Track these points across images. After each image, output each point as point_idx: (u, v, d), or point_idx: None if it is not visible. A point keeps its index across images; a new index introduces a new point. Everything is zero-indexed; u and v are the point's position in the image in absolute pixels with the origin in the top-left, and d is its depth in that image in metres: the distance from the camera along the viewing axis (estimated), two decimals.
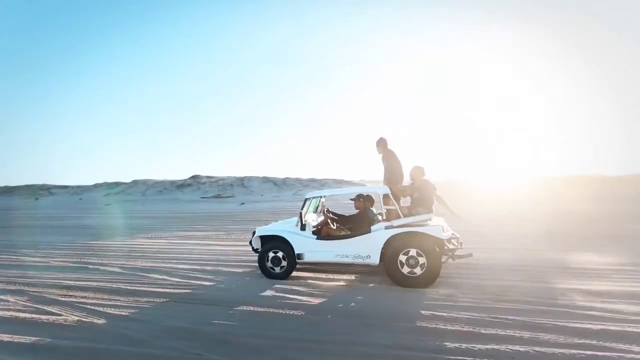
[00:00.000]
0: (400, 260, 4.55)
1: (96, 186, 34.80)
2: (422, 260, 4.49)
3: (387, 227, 4.70)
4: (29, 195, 32.76)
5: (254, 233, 5.59)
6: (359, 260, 4.79)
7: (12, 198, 31.88)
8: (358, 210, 5.40)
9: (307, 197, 5.31)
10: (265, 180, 30.02)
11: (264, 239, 5.31)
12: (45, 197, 31.65)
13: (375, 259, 4.69)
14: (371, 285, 4.72)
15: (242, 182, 29.47)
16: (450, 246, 4.66)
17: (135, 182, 32.78)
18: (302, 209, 5.18)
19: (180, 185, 29.51)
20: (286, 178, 30.60)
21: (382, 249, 4.64)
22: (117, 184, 33.97)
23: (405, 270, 4.53)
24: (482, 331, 3.12)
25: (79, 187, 36.16)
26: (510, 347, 2.81)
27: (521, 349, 2.76)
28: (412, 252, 4.53)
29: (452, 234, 4.86)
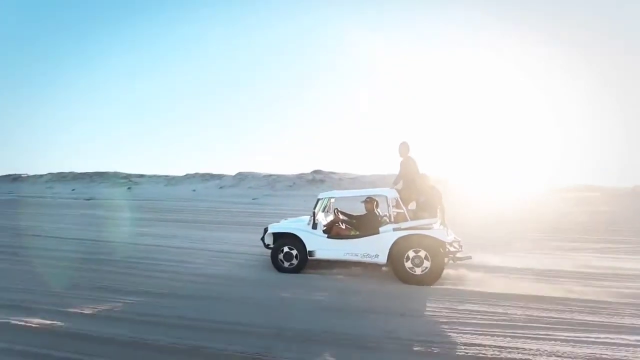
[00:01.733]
0: (407, 260, 4.90)
1: (187, 177, 30.54)
2: (426, 260, 4.85)
3: (395, 229, 5.04)
4: (112, 183, 29.91)
5: (265, 230, 5.86)
6: (368, 259, 5.12)
7: (106, 186, 29.14)
8: (366, 212, 5.72)
9: (319, 197, 5.60)
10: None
11: (277, 235, 5.58)
12: (138, 186, 28.61)
13: (383, 259, 5.02)
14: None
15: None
16: (452, 249, 5.02)
17: (241, 175, 28.10)
18: (314, 208, 5.47)
19: (311, 180, 25.03)
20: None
21: (390, 249, 4.97)
22: (211, 175, 30.07)
23: (411, 269, 4.88)
24: None
25: (167, 177, 31.57)
26: None
27: None
28: (418, 252, 4.88)
29: (454, 237, 5.21)
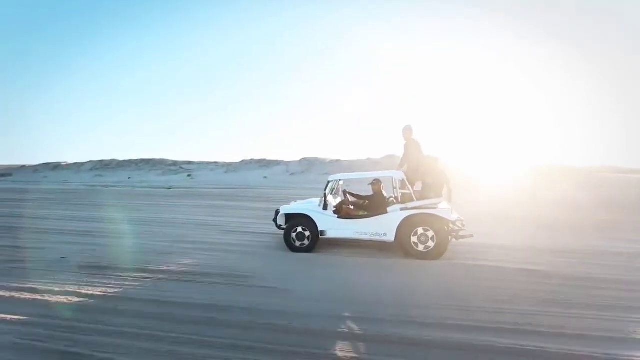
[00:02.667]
0: (413, 238, 5.20)
1: (244, 163, 28.35)
2: (432, 237, 5.15)
3: (402, 209, 5.31)
4: (164, 171, 27.91)
5: (277, 212, 6.12)
6: (377, 238, 5.41)
7: (158, 174, 27.21)
8: (373, 193, 5.98)
9: (329, 179, 5.84)
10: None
11: (289, 216, 5.84)
12: (195, 174, 26.48)
13: (391, 237, 5.31)
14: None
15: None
16: (455, 227, 5.32)
17: (307, 161, 26.27)
18: (325, 190, 5.71)
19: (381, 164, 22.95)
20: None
21: (398, 227, 5.27)
22: (267, 161, 28.07)
23: (418, 246, 5.20)
24: None
25: (218, 163, 29.57)
26: None
27: None
28: (424, 230, 5.18)
29: (458, 217, 5.50)
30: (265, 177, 23.65)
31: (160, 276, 4.52)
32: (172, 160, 31.28)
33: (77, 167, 32.33)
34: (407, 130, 5.70)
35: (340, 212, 5.71)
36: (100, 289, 4.04)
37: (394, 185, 5.59)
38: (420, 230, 5.18)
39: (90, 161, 33.08)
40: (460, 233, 5.29)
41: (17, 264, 5.08)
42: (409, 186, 5.41)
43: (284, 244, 5.75)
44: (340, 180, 6.21)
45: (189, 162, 30.74)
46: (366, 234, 5.45)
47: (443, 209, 5.24)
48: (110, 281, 4.33)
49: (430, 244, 5.16)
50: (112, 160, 32.56)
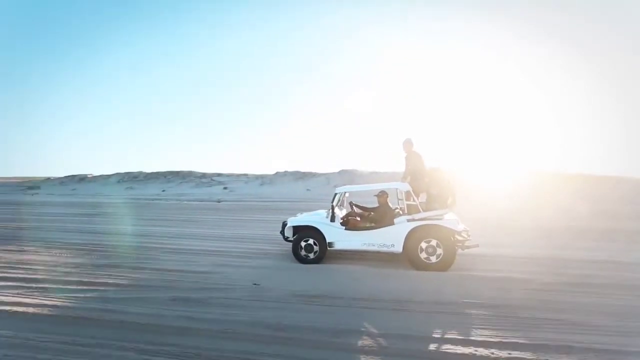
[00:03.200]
0: (421, 249, 5.27)
1: (279, 175, 27.88)
2: (439, 249, 5.22)
3: (409, 220, 5.39)
4: (197, 183, 27.22)
5: (283, 224, 6.18)
6: (384, 249, 5.48)
7: (191, 186, 26.60)
8: (379, 204, 6.06)
9: (336, 191, 5.93)
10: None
11: (296, 229, 5.90)
12: (229, 186, 25.88)
13: (398, 248, 5.38)
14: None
15: None
16: (460, 237, 5.40)
17: (346, 172, 25.89)
18: (332, 202, 5.80)
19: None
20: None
21: (405, 239, 5.34)
22: (302, 173, 27.54)
23: (425, 257, 5.26)
24: None
25: (259, 176, 28.88)
26: None
27: None
28: (431, 242, 5.26)
29: (464, 227, 5.59)
30: (309, 190, 23.30)
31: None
32: (201, 172, 30.78)
33: (104, 179, 31.77)
34: (407, 144, 5.84)
35: (348, 223, 5.79)
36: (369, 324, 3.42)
37: (399, 196, 5.69)
38: (427, 242, 5.25)
39: (117, 173, 32.53)
40: (466, 243, 5.37)
41: (217, 293, 4.36)
42: (415, 197, 5.51)
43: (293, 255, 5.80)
44: (345, 192, 6.30)
45: (218, 174, 30.31)
46: (374, 245, 5.51)
47: (449, 219, 5.33)
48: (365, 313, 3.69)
49: (438, 255, 5.23)
50: (140, 173, 32.07)
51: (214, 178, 28.95)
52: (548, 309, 3.77)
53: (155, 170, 31.93)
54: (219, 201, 18.25)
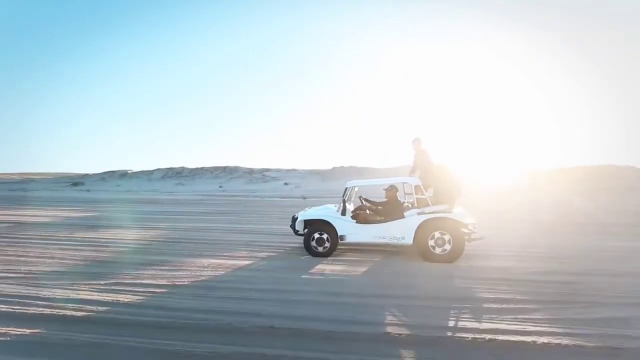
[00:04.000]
0: (431, 241, 5.41)
1: (335, 170, 26.86)
2: (448, 240, 5.38)
3: (419, 213, 5.53)
4: (249, 179, 25.93)
5: (293, 218, 6.25)
6: (395, 241, 5.61)
7: (244, 182, 25.29)
8: (387, 198, 6.18)
9: (347, 185, 6.03)
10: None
11: (307, 222, 5.98)
12: (290, 181, 24.67)
13: (409, 240, 5.52)
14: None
15: None
16: (467, 230, 5.56)
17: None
18: (343, 196, 5.89)
19: None
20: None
21: (416, 231, 5.47)
22: (363, 169, 26.34)
23: (435, 249, 5.41)
24: None
25: (315, 171, 27.84)
26: None
27: None
28: (441, 234, 5.40)
29: (471, 220, 5.75)
30: None
31: None
32: (247, 168, 29.60)
33: (146, 175, 30.21)
34: (417, 142, 6.05)
35: (358, 217, 5.89)
36: None
37: (407, 191, 5.83)
38: (437, 234, 5.40)
39: (158, 169, 31.12)
40: (472, 236, 5.53)
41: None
42: (424, 191, 5.65)
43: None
44: (355, 187, 6.41)
45: (266, 169, 29.10)
46: (384, 238, 5.63)
47: (458, 213, 5.48)
48: None
49: (447, 247, 5.38)
50: (182, 168, 30.71)
51: (264, 174, 27.80)
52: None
53: (200, 166, 30.52)
54: (304, 197, 17.66)
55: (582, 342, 2.86)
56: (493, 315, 3.43)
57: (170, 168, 30.92)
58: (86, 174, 33.40)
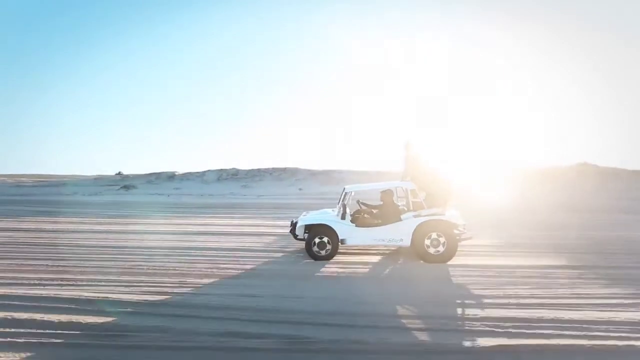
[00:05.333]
0: (427, 242, 5.73)
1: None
2: (443, 241, 5.72)
3: (415, 216, 5.84)
4: (311, 181, 23.99)
5: (292, 222, 6.37)
6: (393, 243, 5.89)
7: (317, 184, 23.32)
8: (382, 202, 6.44)
9: (346, 190, 6.22)
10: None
11: (308, 227, 6.11)
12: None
13: (407, 242, 5.80)
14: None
15: None
16: (457, 231, 5.93)
17: None
18: (343, 200, 6.08)
19: None
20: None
21: (413, 233, 5.76)
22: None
23: (431, 249, 5.73)
24: None
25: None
26: None
27: None
28: (436, 235, 5.74)
29: (462, 222, 6.13)
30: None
31: None
32: (307, 169, 27.30)
33: (197, 176, 27.40)
34: (408, 146, 6.35)
35: (357, 220, 6.10)
36: None
37: (399, 194, 6.18)
38: (433, 235, 5.72)
39: (209, 170, 28.16)
40: (462, 236, 5.91)
41: None
42: (419, 195, 5.97)
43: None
44: (353, 191, 6.61)
45: (331, 170, 26.74)
46: (383, 240, 5.89)
47: (451, 215, 5.84)
48: None
49: (441, 248, 5.72)
50: (234, 169, 28.00)
51: (331, 175, 25.79)
52: None
53: (254, 168, 28.13)
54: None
55: None
56: None
57: (221, 169, 28.43)
58: (127, 175, 30.19)
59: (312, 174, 26.75)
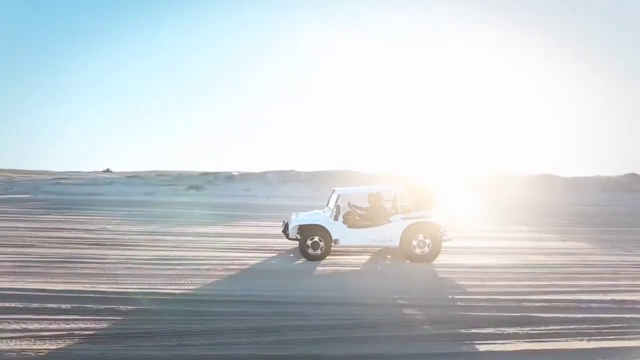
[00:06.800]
0: (414, 243, 6.13)
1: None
2: (428, 242, 6.15)
3: (403, 218, 6.22)
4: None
5: (284, 223, 6.48)
6: (383, 244, 6.23)
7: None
8: (370, 205, 6.76)
9: (339, 193, 6.45)
10: None
11: (302, 227, 6.24)
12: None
13: (396, 242, 6.17)
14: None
15: None
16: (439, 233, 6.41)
17: None
18: (336, 202, 6.31)
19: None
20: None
21: (401, 234, 6.13)
22: None
23: (417, 250, 6.14)
24: None
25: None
26: None
27: None
28: (422, 236, 6.16)
29: (444, 224, 6.63)
30: None
31: None
32: (357, 172, 25.06)
33: (258, 177, 25.29)
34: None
35: (350, 222, 6.35)
36: None
37: (387, 197, 6.56)
38: (420, 237, 6.13)
39: (266, 171, 26.04)
40: (443, 237, 6.40)
41: None
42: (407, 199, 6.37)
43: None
44: (344, 193, 6.86)
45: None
46: (374, 241, 6.22)
47: (437, 217, 6.31)
48: None
49: (426, 249, 6.15)
50: (296, 174, 26.06)
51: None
52: None
53: (310, 170, 26.55)
54: None
55: None
56: None
57: (280, 171, 26.62)
58: (180, 174, 27.41)
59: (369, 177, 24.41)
